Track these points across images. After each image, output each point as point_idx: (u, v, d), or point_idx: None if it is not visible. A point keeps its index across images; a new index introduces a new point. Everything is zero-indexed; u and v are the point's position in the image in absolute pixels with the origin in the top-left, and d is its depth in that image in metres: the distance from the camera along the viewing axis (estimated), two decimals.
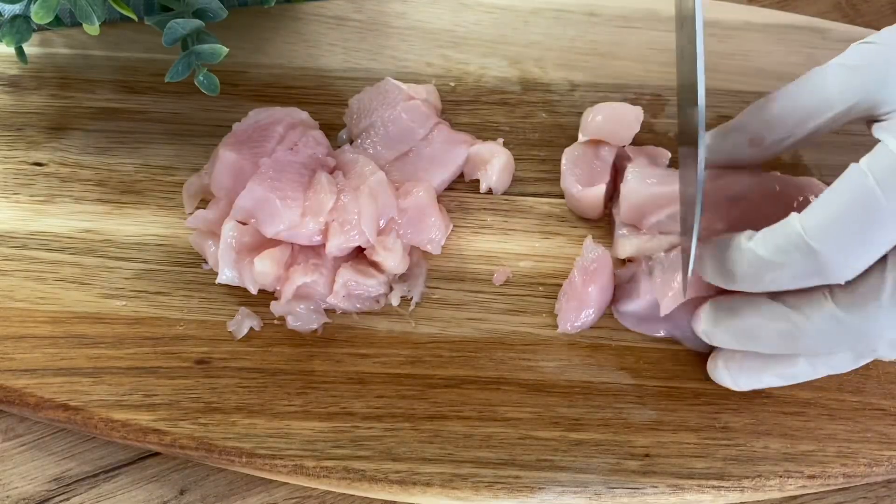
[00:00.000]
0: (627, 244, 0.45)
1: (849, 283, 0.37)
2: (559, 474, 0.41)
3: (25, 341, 0.44)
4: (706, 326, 0.41)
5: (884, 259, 0.36)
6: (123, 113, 0.51)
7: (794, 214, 0.37)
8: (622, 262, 0.46)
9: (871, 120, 0.39)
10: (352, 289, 0.45)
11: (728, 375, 0.42)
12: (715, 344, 0.42)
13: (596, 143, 0.48)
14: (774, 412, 0.43)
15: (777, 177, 0.45)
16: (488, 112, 0.52)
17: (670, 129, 0.51)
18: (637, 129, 0.48)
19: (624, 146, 0.48)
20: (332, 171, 0.46)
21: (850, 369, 0.40)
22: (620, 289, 0.45)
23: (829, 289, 0.37)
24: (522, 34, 0.54)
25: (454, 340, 0.45)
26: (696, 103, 0.38)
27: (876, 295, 0.36)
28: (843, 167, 0.37)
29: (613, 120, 0.48)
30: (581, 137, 0.49)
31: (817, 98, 0.40)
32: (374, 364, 0.44)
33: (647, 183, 0.45)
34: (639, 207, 0.45)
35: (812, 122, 0.40)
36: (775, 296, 0.39)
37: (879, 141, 0.37)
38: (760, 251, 0.37)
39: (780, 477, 0.41)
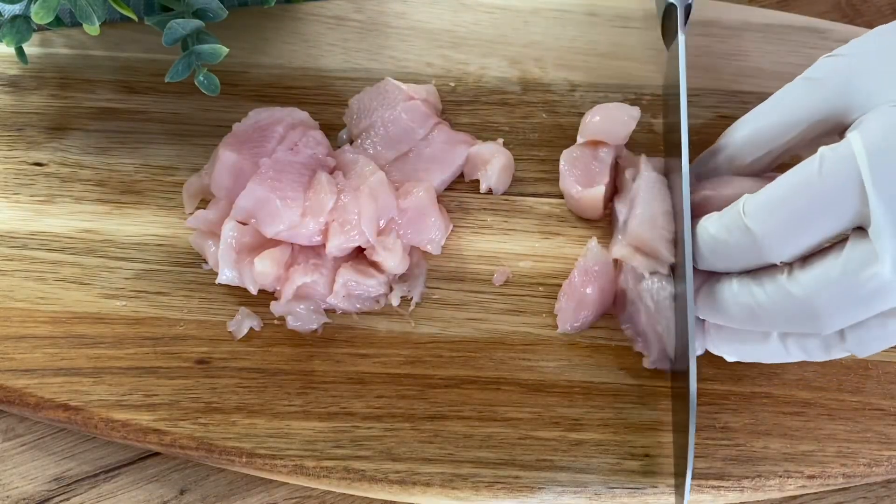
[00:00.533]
0: (620, 248, 0.45)
1: (806, 261, 0.37)
2: (559, 474, 0.41)
3: (25, 341, 0.44)
4: (697, 301, 0.42)
5: (845, 240, 0.36)
6: (123, 113, 0.51)
7: (744, 196, 0.38)
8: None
9: (843, 131, 0.39)
10: (352, 289, 0.45)
11: (711, 342, 0.42)
12: (701, 317, 0.42)
13: (594, 144, 0.48)
14: (774, 412, 0.43)
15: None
16: (488, 112, 0.52)
17: None
18: (633, 126, 0.48)
19: (623, 144, 0.48)
20: (332, 171, 0.46)
21: (823, 358, 0.40)
22: (624, 303, 0.45)
23: (790, 266, 0.38)
24: (522, 34, 0.54)
25: (454, 340, 0.45)
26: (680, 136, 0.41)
27: (826, 273, 0.36)
28: None
29: (610, 120, 0.48)
30: (580, 139, 0.49)
31: (786, 115, 0.41)
32: (374, 364, 0.44)
33: (655, 223, 0.44)
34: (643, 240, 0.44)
35: (784, 139, 0.41)
36: (745, 273, 0.40)
37: None
38: (711, 229, 0.40)
39: (780, 477, 0.41)
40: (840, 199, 0.35)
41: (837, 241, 0.37)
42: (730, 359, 0.42)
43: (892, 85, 0.37)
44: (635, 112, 0.48)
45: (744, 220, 0.38)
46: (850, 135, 0.36)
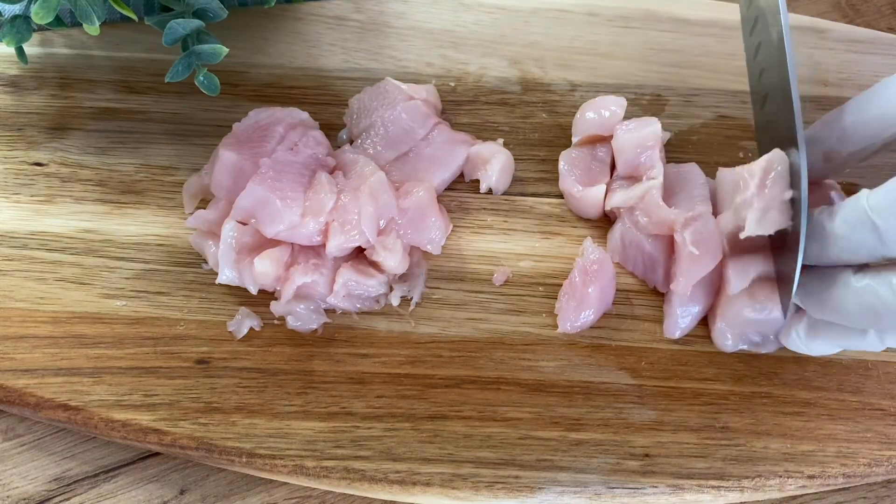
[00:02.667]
0: (615, 196, 0.46)
1: None
2: (559, 474, 0.41)
3: (26, 341, 0.44)
4: (804, 298, 0.41)
5: None
6: (123, 113, 0.51)
7: (864, 191, 0.37)
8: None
9: None
10: (352, 289, 0.45)
11: (802, 342, 0.42)
12: (809, 312, 0.41)
13: (592, 143, 0.48)
14: (774, 412, 0.43)
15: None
16: (488, 112, 0.52)
17: (669, 128, 0.51)
18: (621, 114, 0.48)
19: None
20: (332, 171, 0.46)
21: None
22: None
23: None
24: (522, 34, 0.54)
25: (454, 340, 0.45)
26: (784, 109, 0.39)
27: None
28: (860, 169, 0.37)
29: (601, 113, 0.48)
30: (575, 139, 0.49)
31: (889, 110, 0.40)
32: (374, 364, 0.44)
33: (631, 129, 0.46)
34: (632, 154, 0.46)
35: (885, 134, 0.40)
36: (863, 269, 0.38)
37: None
38: (828, 224, 0.38)
39: (780, 477, 0.41)
40: None
41: None
42: (816, 354, 0.42)
43: None
44: (622, 101, 0.48)
45: (869, 216, 0.36)
46: None
